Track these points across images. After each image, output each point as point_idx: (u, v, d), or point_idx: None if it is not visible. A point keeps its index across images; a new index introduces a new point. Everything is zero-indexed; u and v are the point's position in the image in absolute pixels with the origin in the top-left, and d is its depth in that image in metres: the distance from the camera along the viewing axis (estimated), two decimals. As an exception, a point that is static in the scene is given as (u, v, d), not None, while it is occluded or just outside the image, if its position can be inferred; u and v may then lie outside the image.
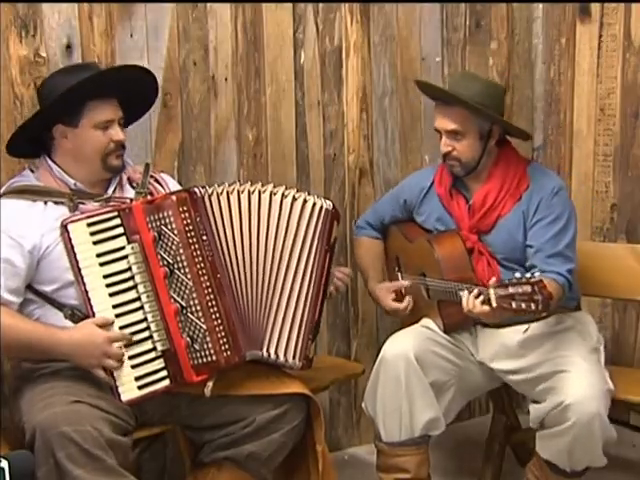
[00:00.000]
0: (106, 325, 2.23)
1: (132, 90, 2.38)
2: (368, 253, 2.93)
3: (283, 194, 2.39)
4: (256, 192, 2.38)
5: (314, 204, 2.40)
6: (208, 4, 2.86)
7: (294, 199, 2.39)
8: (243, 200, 2.37)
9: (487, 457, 2.95)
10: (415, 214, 2.81)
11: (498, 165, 2.63)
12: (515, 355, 2.56)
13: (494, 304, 2.26)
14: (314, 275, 2.40)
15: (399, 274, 2.89)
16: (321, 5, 3.05)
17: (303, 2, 3.02)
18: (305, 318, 2.39)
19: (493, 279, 2.32)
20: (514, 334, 2.58)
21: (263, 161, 3.03)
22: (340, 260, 3.21)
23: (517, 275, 2.25)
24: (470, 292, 2.36)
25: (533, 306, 2.19)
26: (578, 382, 2.38)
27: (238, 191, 2.37)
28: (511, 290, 2.22)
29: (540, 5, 3.46)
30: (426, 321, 2.71)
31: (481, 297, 2.31)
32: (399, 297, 2.80)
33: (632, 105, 3.19)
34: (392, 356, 2.57)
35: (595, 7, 3.26)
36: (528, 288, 2.19)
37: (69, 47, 2.63)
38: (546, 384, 2.46)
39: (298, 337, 2.39)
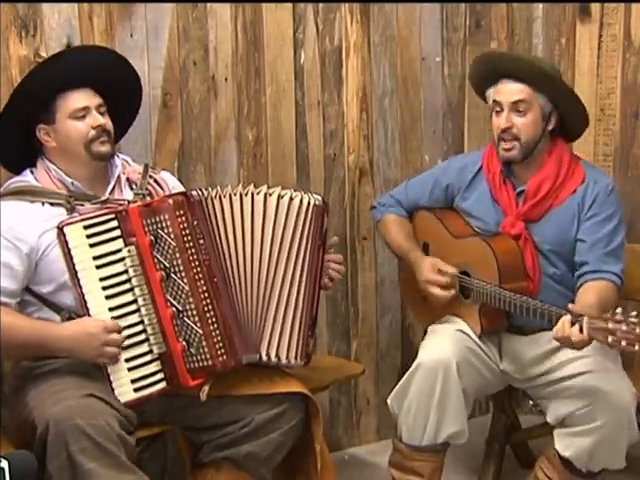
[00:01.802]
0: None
1: (107, 78, 2.35)
2: (401, 229, 2.82)
3: (279, 195, 2.38)
4: (249, 194, 2.37)
5: (305, 201, 2.39)
6: (208, 4, 2.86)
7: (287, 198, 2.38)
8: (235, 203, 2.36)
9: (487, 457, 2.95)
10: (460, 199, 2.72)
11: (552, 154, 2.57)
12: (538, 362, 2.52)
13: (585, 332, 2.19)
14: (309, 273, 2.40)
15: None
16: (321, 5, 3.05)
17: (303, 2, 3.02)
18: (303, 317, 2.40)
19: (572, 305, 2.25)
20: (538, 342, 2.54)
21: (263, 161, 3.03)
22: (340, 260, 3.22)
23: (619, 310, 2.15)
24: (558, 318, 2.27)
25: (637, 347, 2.10)
26: (609, 382, 2.36)
27: (230, 195, 2.35)
28: (611, 326, 2.13)
29: (540, 5, 3.46)
30: (458, 323, 2.63)
31: (576, 325, 2.22)
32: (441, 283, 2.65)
33: (632, 105, 3.19)
34: (433, 362, 2.49)
35: (595, 7, 3.26)
36: (637, 329, 2.09)
37: (69, 47, 2.62)
38: (569, 382, 2.42)
39: (298, 337, 2.39)
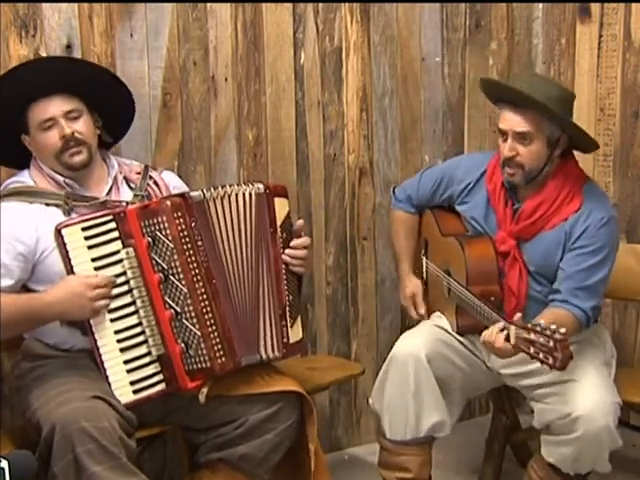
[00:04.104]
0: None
1: (77, 80, 2.32)
2: (402, 231, 2.87)
3: (235, 193, 2.36)
4: (226, 196, 2.35)
5: (247, 193, 2.36)
6: (208, 4, 2.85)
7: (240, 194, 2.36)
8: (220, 205, 2.34)
9: (487, 457, 2.95)
10: (458, 203, 2.71)
11: (556, 177, 2.50)
12: (526, 360, 2.50)
13: (512, 341, 2.20)
14: (269, 262, 2.38)
15: (424, 258, 2.85)
16: (321, 5, 3.05)
17: (303, 2, 3.02)
18: (273, 306, 2.38)
19: (518, 315, 2.24)
20: None
21: (263, 161, 3.03)
22: (340, 260, 3.22)
23: (542, 323, 2.15)
24: (493, 323, 2.29)
25: (551, 360, 2.10)
26: (588, 394, 2.34)
27: (222, 195, 2.34)
28: (533, 336, 2.14)
29: (540, 5, 3.46)
30: (440, 319, 2.68)
31: (504, 332, 2.24)
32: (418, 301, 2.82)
33: (632, 105, 3.19)
34: (403, 355, 2.54)
35: (595, 7, 3.26)
36: (550, 342, 2.09)
37: (69, 47, 2.62)
38: (553, 389, 2.42)
39: (272, 328, 2.37)
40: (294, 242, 2.44)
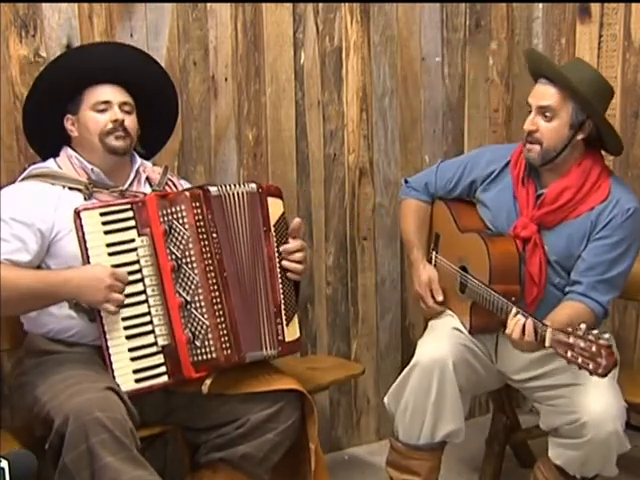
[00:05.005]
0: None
1: (139, 79, 2.41)
2: (414, 219, 2.80)
3: (232, 193, 2.38)
4: (227, 194, 2.37)
5: (241, 191, 2.38)
6: (208, 4, 2.86)
7: (237, 193, 2.38)
8: (228, 202, 2.37)
9: (487, 457, 2.96)
10: (481, 190, 2.68)
11: (582, 164, 2.48)
12: (534, 365, 2.50)
13: (547, 344, 2.19)
14: (262, 260, 2.39)
15: (434, 253, 2.80)
16: (321, 5, 3.05)
17: (303, 2, 3.02)
18: (267, 304, 2.39)
19: (549, 325, 2.23)
20: None
21: (263, 161, 3.03)
22: (340, 260, 3.22)
23: (582, 326, 2.12)
24: (524, 316, 2.27)
25: (592, 366, 2.08)
26: (596, 399, 2.33)
27: (225, 195, 2.36)
28: (571, 340, 2.12)
29: (540, 5, 3.47)
30: (454, 320, 2.64)
31: (532, 330, 2.24)
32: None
33: (632, 105, 3.19)
34: (428, 361, 2.49)
35: (595, 7, 3.26)
36: (593, 347, 2.07)
37: (69, 47, 2.62)
38: (558, 391, 2.42)
39: (267, 326, 2.38)
40: (286, 246, 2.44)
